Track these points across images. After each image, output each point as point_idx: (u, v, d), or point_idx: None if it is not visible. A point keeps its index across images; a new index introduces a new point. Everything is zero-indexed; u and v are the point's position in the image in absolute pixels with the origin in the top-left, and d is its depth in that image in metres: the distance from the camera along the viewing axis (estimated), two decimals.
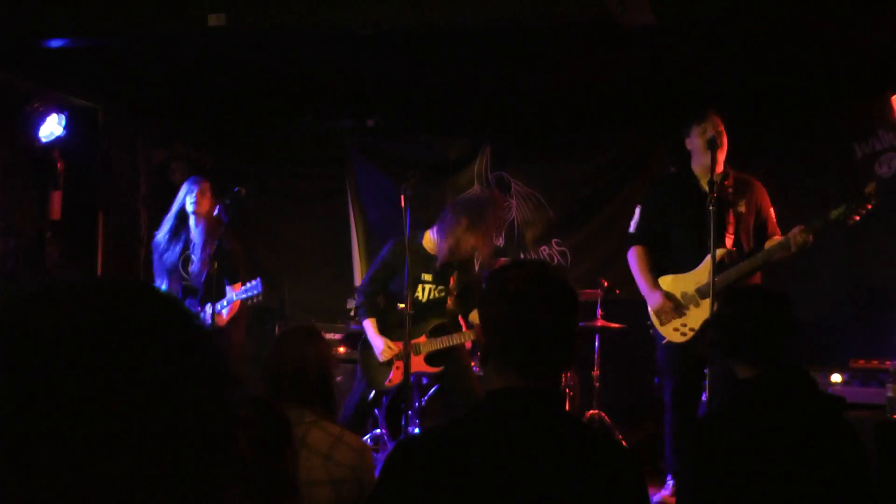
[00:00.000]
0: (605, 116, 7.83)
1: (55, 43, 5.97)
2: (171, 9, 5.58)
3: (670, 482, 5.71)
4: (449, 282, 6.06)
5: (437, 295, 6.05)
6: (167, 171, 8.35)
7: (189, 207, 6.24)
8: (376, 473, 3.18)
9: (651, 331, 5.67)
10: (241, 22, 5.52)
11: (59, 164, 7.31)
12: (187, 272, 6.20)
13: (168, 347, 0.88)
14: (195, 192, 6.24)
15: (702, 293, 5.35)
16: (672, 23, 5.40)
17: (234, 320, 6.12)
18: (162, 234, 6.33)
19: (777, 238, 5.39)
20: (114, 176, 7.87)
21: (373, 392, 6.17)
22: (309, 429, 3.12)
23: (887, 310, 6.69)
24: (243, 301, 5.99)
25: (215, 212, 6.06)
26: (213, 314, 5.86)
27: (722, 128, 5.42)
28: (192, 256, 6.17)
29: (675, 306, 5.45)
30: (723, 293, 4.90)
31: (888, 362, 5.84)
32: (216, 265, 5.73)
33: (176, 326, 0.90)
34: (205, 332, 0.93)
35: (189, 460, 0.86)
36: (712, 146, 5.25)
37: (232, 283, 6.17)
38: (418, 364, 6.00)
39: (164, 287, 6.20)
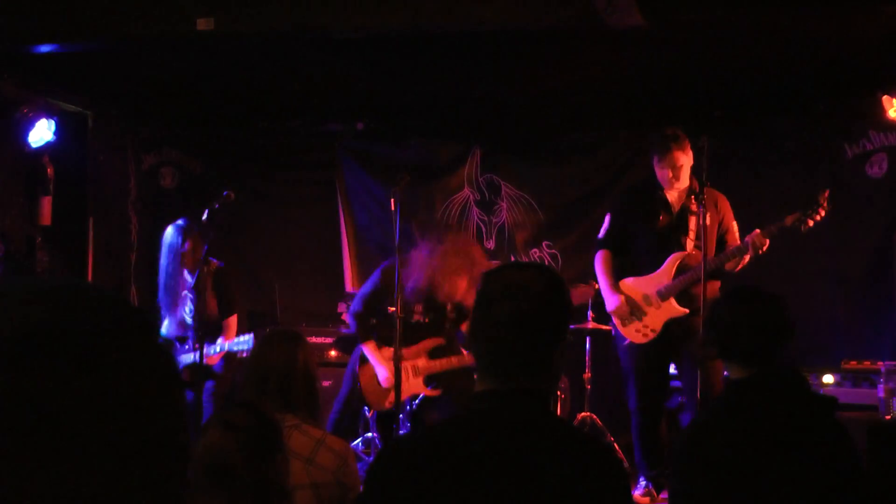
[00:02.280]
0: (595, 119, 7.80)
1: (44, 48, 5.92)
2: (159, 13, 5.53)
3: (642, 483, 5.79)
4: (443, 311, 5.98)
5: (429, 319, 5.99)
6: (157, 175, 8.31)
7: (178, 257, 6.09)
8: (360, 476, 3.17)
9: (612, 332, 5.88)
10: (230, 26, 5.48)
11: (48, 170, 7.25)
12: (185, 311, 6.15)
13: (119, 350, 0.85)
14: (180, 245, 6.06)
15: (662, 295, 5.58)
16: (660, 24, 5.37)
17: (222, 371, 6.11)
18: (161, 279, 6.22)
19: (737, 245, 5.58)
20: (104, 181, 7.83)
21: (372, 410, 6.14)
22: (290, 433, 3.08)
23: (879, 310, 6.67)
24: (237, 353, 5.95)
25: (205, 220, 5.98)
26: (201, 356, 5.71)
27: (681, 162, 5.58)
28: (189, 298, 6.13)
29: (632, 310, 5.67)
30: (719, 293, 5.02)
31: (880, 363, 5.82)
32: (210, 301, 5.96)
33: (127, 329, 0.87)
34: (156, 335, 0.91)
35: (138, 462, 0.84)
36: (671, 181, 5.59)
37: (228, 315, 6.16)
38: (416, 385, 5.93)
39: (166, 325, 6.22)
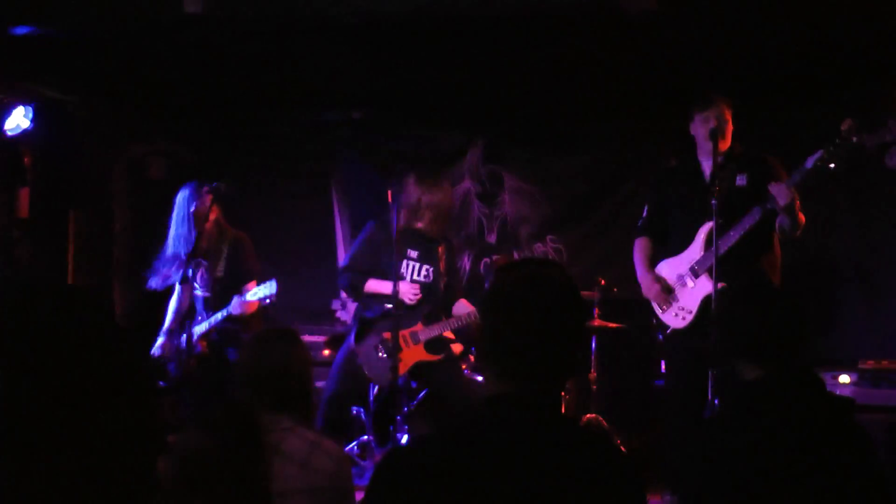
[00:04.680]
0: (605, 108, 7.77)
1: (21, 30, 5.90)
2: None
3: (667, 500, 5.50)
4: (437, 261, 6.10)
5: (423, 277, 6.06)
6: (145, 166, 8.28)
7: (189, 215, 6.14)
8: (356, 482, 3.18)
9: (654, 321, 5.62)
10: (220, 9, 5.45)
11: (25, 159, 7.22)
12: (196, 281, 6.17)
13: (74, 345, 0.86)
14: (196, 202, 6.12)
15: (694, 272, 5.37)
16: (674, 9, 5.37)
17: (248, 325, 6.10)
18: (169, 245, 6.26)
19: None
20: (86, 171, 7.79)
21: (377, 388, 6.20)
22: (285, 435, 3.08)
23: None
24: (260, 301, 5.99)
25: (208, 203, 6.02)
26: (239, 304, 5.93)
27: (728, 115, 5.40)
28: (201, 264, 6.19)
29: (664, 288, 5.49)
30: (731, 291, 4.84)
31: None
32: (225, 269, 6.08)
33: (83, 325, 0.89)
34: (121, 333, 0.92)
35: (99, 453, 0.85)
36: (714, 137, 5.22)
37: (245, 282, 6.12)
38: (418, 353, 6.02)
39: (174, 297, 6.33)
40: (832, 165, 4.96)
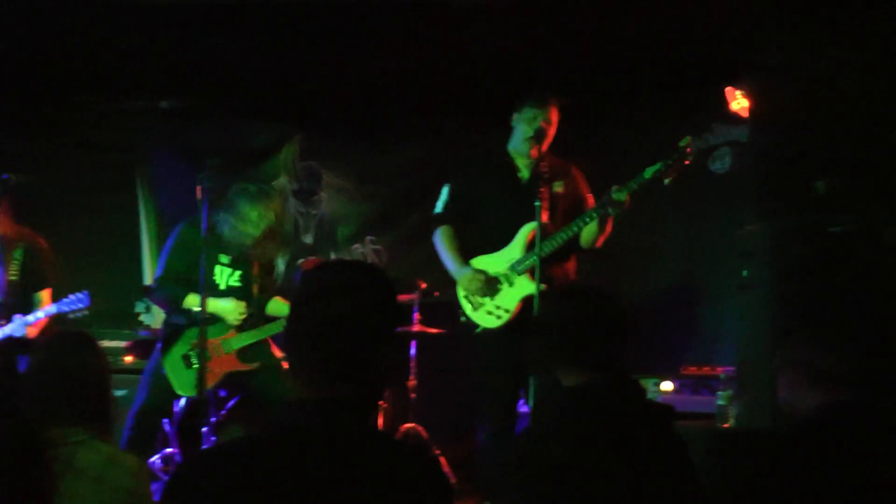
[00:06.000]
0: (428, 103, 7.82)
1: None
2: None
3: None
4: (249, 266, 5.92)
5: (236, 282, 5.90)
6: None
7: None
8: (157, 498, 3.10)
9: (462, 318, 5.56)
10: None
11: None
12: None
13: None
14: None
15: (515, 269, 5.40)
16: (502, 2, 5.45)
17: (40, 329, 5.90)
18: None
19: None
20: None
21: (183, 400, 6.01)
22: (76, 449, 2.98)
23: (721, 312, 6.90)
24: (63, 315, 5.82)
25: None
26: (23, 325, 5.77)
27: (555, 118, 5.49)
28: None
29: (487, 281, 5.43)
30: (551, 292, 5.00)
31: (720, 369, 6.03)
32: (19, 274, 5.88)
33: None
34: None
35: None
36: (539, 137, 5.36)
37: (39, 289, 6.03)
38: (230, 362, 5.81)
39: None
40: (667, 181, 5.18)
